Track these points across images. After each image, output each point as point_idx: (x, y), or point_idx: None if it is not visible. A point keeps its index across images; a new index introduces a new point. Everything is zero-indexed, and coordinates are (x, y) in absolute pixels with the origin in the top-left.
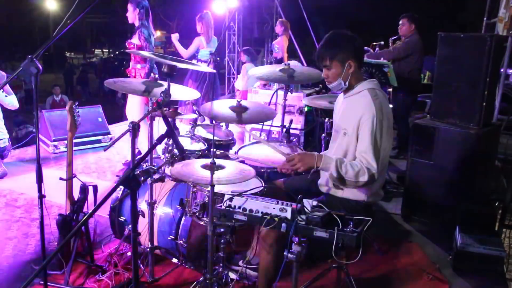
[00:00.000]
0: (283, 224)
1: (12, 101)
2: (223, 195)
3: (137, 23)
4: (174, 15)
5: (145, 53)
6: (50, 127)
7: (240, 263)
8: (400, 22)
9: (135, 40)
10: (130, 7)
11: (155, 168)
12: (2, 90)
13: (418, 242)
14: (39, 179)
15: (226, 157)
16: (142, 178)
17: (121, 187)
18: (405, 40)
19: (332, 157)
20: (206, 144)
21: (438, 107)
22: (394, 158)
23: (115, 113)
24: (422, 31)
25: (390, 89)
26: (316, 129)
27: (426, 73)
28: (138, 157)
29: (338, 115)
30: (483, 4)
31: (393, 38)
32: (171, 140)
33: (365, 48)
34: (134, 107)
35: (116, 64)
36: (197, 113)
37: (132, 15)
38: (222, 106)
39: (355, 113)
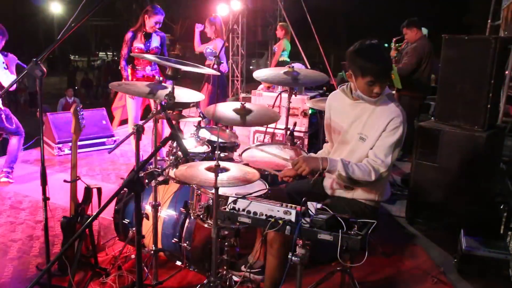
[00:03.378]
0: (288, 227)
1: (1, 76)
2: (227, 197)
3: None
4: (178, 18)
5: (150, 57)
6: (55, 130)
7: (242, 268)
8: (403, 32)
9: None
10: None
11: (160, 170)
12: (4, 64)
13: (422, 245)
14: (44, 182)
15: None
16: (147, 181)
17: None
18: (411, 47)
19: (336, 159)
20: (209, 146)
21: (442, 110)
22: (399, 161)
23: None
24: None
25: (394, 91)
26: (320, 131)
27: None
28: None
29: (347, 120)
30: (488, 6)
31: (396, 38)
32: (175, 143)
33: None
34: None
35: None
36: (201, 115)
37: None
38: (226, 108)
39: (380, 119)
